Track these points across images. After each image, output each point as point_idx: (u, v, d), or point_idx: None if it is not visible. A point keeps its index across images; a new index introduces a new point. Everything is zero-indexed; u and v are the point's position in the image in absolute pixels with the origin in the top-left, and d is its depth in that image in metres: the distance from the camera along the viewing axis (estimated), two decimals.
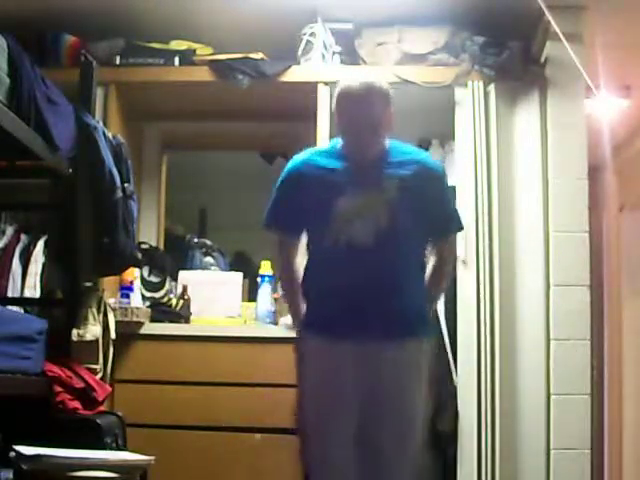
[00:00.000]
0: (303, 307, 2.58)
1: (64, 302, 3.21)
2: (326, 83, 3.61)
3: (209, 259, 4.15)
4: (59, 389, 2.80)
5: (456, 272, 2.92)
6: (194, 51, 3.70)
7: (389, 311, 2.45)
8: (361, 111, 2.46)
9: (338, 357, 2.44)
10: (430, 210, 2.51)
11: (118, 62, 3.66)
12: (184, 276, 3.84)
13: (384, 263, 2.44)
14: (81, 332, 3.05)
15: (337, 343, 2.44)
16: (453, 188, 2.62)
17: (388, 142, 2.57)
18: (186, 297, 3.69)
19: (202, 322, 3.63)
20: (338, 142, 2.60)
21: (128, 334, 3.41)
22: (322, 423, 2.44)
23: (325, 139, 3.54)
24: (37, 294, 3.40)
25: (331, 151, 2.60)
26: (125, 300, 3.51)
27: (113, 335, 3.21)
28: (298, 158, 2.62)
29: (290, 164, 2.63)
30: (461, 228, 2.69)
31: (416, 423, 2.46)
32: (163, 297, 3.78)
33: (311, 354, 2.50)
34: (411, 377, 2.47)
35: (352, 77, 2.55)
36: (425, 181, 2.52)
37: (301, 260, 2.64)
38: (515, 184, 3.51)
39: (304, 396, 2.50)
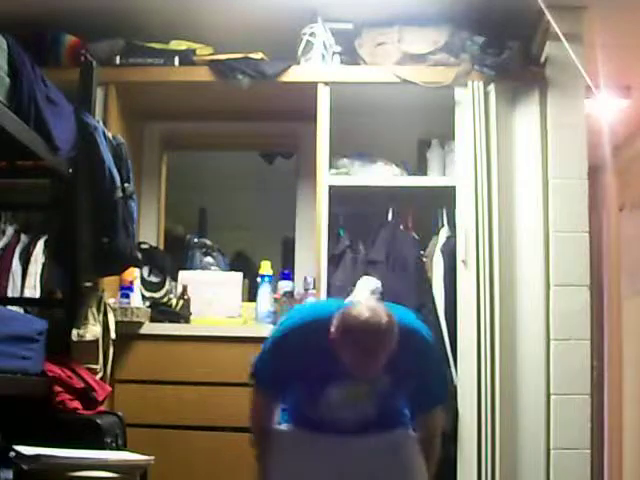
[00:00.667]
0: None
1: (64, 302, 3.21)
2: (326, 83, 3.61)
3: (209, 259, 4.15)
4: (59, 389, 2.81)
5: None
6: (194, 51, 3.70)
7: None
8: (371, 355, 2.26)
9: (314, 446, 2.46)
10: (415, 387, 2.42)
11: (118, 62, 3.66)
12: (184, 276, 3.84)
13: (366, 444, 2.44)
14: (81, 332, 3.05)
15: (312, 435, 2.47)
16: (441, 359, 2.58)
17: None
18: (186, 297, 3.69)
19: (202, 322, 3.63)
20: (336, 305, 2.40)
21: (128, 334, 3.41)
22: None
23: (325, 139, 3.55)
24: (37, 294, 3.40)
25: (324, 325, 2.32)
26: (125, 300, 3.51)
27: (113, 335, 3.21)
28: (293, 322, 2.46)
29: (286, 324, 2.48)
30: (443, 403, 2.58)
31: None
32: (163, 297, 3.78)
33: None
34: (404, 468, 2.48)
35: (357, 310, 2.28)
36: (414, 357, 2.38)
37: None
38: (515, 184, 3.51)
39: None
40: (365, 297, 3.35)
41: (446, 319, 3.47)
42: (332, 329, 2.28)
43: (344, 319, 2.27)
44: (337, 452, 2.43)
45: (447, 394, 2.65)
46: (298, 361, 2.39)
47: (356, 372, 2.32)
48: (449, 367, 2.97)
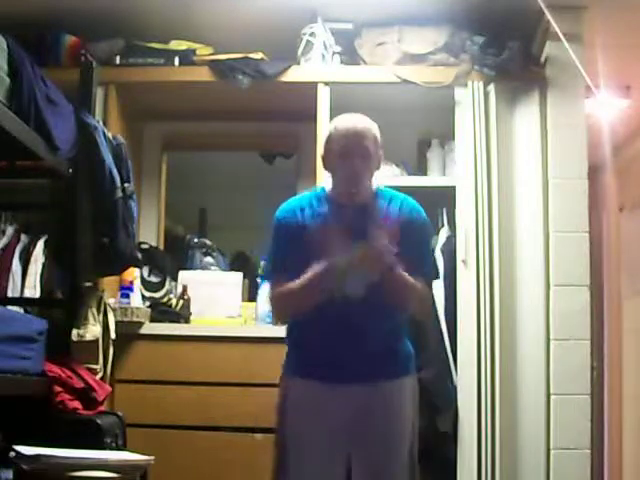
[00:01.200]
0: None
1: (64, 302, 3.21)
2: (326, 83, 3.61)
3: (209, 259, 4.15)
4: (59, 389, 2.81)
5: (430, 316, 2.86)
6: (194, 51, 3.70)
7: (374, 355, 2.46)
8: (357, 145, 2.46)
9: (322, 399, 2.44)
10: (409, 254, 2.44)
11: (118, 62, 3.66)
12: (184, 276, 3.84)
13: (373, 312, 2.44)
14: (81, 332, 3.05)
15: (321, 387, 2.44)
16: (432, 237, 2.63)
17: (376, 187, 2.57)
18: (186, 297, 3.69)
19: (202, 322, 3.63)
20: (323, 188, 2.59)
21: (128, 334, 3.41)
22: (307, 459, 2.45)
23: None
24: (37, 294, 3.40)
25: (318, 197, 2.57)
26: (125, 300, 3.51)
27: (113, 335, 3.21)
28: (285, 207, 2.58)
29: (278, 213, 2.59)
30: (435, 277, 2.68)
31: (399, 457, 2.45)
32: (163, 297, 3.78)
33: (295, 395, 2.50)
34: (393, 414, 2.47)
35: (345, 115, 2.55)
36: (409, 228, 2.49)
37: None
38: (515, 184, 3.51)
39: (286, 437, 2.49)
40: None
41: (446, 319, 3.47)
42: (323, 146, 2.53)
43: (333, 126, 2.53)
44: (342, 405, 2.43)
45: (434, 272, 2.70)
46: (299, 236, 2.47)
47: (345, 190, 2.48)
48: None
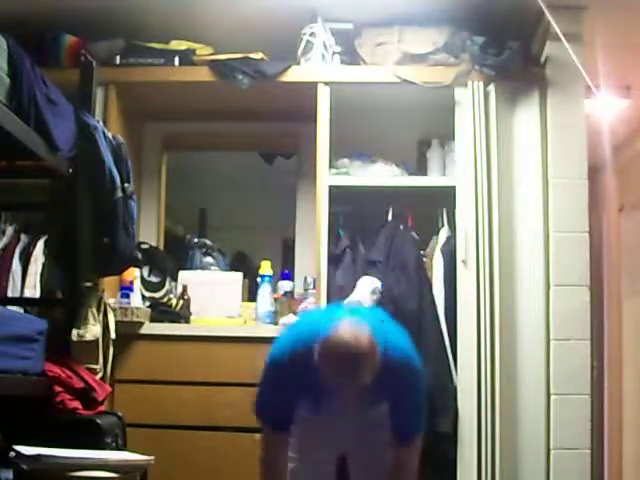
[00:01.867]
0: None
1: (64, 302, 3.21)
2: (326, 83, 3.61)
3: (209, 259, 4.15)
4: (59, 389, 2.80)
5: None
6: (194, 51, 3.70)
7: None
8: (350, 376, 2.27)
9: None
10: (398, 418, 2.44)
11: (118, 62, 3.66)
12: (184, 276, 3.84)
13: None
14: (81, 332, 3.05)
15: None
16: (424, 390, 2.48)
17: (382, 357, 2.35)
18: (186, 297, 3.69)
19: (202, 322, 3.63)
20: (327, 321, 2.38)
21: (128, 334, 3.41)
22: None
23: (325, 139, 3.55)
24: (37, 294, 3.40)
25: (311, 355, 2.32)
26: (125, 300, 3.51)
27: (113, 335, 3.21)
28: (281, 353, 2.45)
29: (275, 352, 2.47)
30: (420, 434, 2.52)
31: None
32: (163, 297, 3.78)
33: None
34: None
35: (337, 336, 2.27)
36: (399, 385, 2.41)
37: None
38: (515, 184, 3.51)
39: None
40: (364, 297, 3.35)
41: (446, 319, 3.47)
42: (315, 356, 2.28)
43: (324, 346, 2.28)
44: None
45: (423, 427, 2.52)
46: (293, 387, 2.41)
47: (339, 397, 2.37)
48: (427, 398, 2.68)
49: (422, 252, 3.64)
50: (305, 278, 3.79)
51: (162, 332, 3.50)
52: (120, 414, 3.03)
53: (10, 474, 2.34)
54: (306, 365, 2.31)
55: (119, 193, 3.16)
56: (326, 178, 3.56)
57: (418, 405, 2.50)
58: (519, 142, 3.54)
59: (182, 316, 3.63)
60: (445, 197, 3.55)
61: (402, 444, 2.47)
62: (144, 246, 3.87)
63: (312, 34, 3.64)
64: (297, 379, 2.39)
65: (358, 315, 2.40)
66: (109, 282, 3.49)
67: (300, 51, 3.66)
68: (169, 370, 3.45)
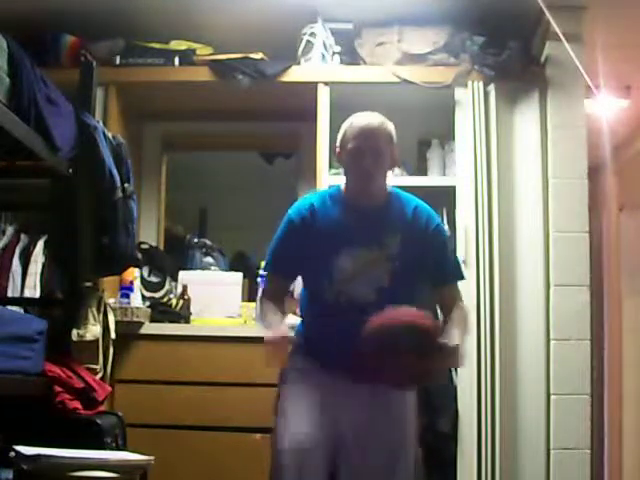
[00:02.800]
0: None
1: (64, 302, 3.20)
2: (326, 83, 3.61)
3: (209, 259, 4.15)
4: (59, 389, 2.80)
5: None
6: (194, 51, 3.71)
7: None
8: (370, 143, 2.44)
9: (327, 390, 2.42)
10: (429, 262, 2.47)
11: (118, 62, 3.66)
12: (184, 276, 3.84)
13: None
14: (81, 332, 3.05)
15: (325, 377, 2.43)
16: (451, 238, 2.59)
17: (390, 189, 2.56)
18: (186, 297, 3.69)
19: (202, 322, 3.63)
20: (339, 187, 2.56)
21: (128, 334, 3.41)
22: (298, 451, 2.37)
23: (325, 139, 3.55)
24: (37, 294, 3.40)
25: (332, 196, 2.54)
26: (125, 300, 3.51)
27: (113, 335, 3.21)
28: (300, 205, 2.55)
29: (292, 211, 2.54)
30: (461, 278, 2.59)
31: (401, 462, 2.42)
32: (163, 297, 3.78)
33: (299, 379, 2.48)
34: (397, 421, 2.44)
35: (361, 113, 2.52)
36: (425, 233, 2.49)
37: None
38: (515, 184, 3.51)
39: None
40: None
41: None
42: (337, 141, 2.51)
43: (348, 123, 2.50)
44: (337, 400, 2.41)
45: (462, 273, 2.61)
46: (309, 237, 2.46)
47: (359, 190, 2.47)
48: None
49: None
50: None
51: (162, 332, 3.50)
52: (120, 414, 3.03)
53: (10, 474, 2.34)
54: (324, 205, 2.49)
55: (119, 193, 3.16)
56: (326, 178, 3.55)
57: (452, 253, 2.63)
58: (519, 142, 3.54)
59: (182, 316, 3.63)
60: (445, 197, 3.55)
61: (443, 286, 2.52)
62: (144, 246, 3.87)
63: (312, 34, 3.65)
64: (313, 228, 2.47)
65: None
66: (109, 282, 3.49)
67: (300, 51, 3.66)
68: (169, 370, 3.45)
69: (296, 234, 2.50)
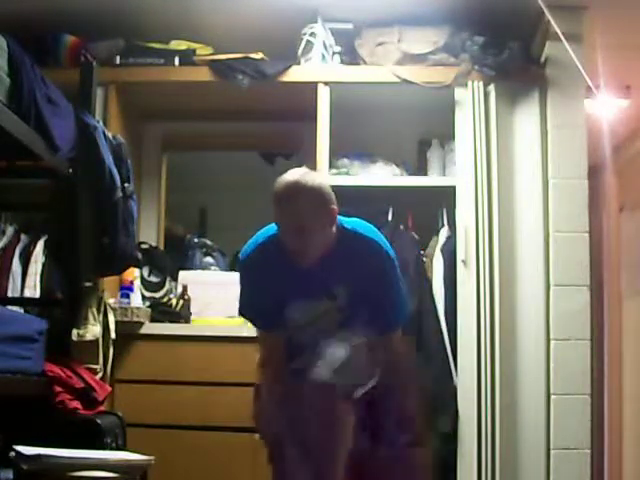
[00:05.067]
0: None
1: (64, 302, 3.21)
2: (326, 83, 3.61)
3: (209, 259, 4.15)
4: (59, 389, 2.81)
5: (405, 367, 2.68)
6: (194, 51, 3.70)
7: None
8: (290, 217, 2.29)
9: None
10: (373, 306, 2.37)
11: (118, 62, 3.66)
12: (184, 276, 3.84)
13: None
14: (81, 332, 3.06)
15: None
16: (398, 275, 2.44)
17: (328, 239, 2.37)
18: (186, 297, 3.69)
19: (202, 322, 3.63)
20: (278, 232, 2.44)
21: (128, 334, 3.41)
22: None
23: (325, 139, 3.55)
24: (37, 294, 3.40)
25: (276, 242, 2.40)
26: (125, 300, 3.51)
27: (113, 335, 3.21)
28: (248, 248, 2.49)
29: (242, 254, 2.50)
30: (400, 324, 2.50)
31: None
32: (163, 297, 3.78)
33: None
34: None
35: (290, 173, 2.36)
36: (372, 277, 2.36)
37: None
38: (515, 184, 3.51)
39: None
40: None
41: (446, 319, 3.47)
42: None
43: (274, 185, 2.34)
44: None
45: (405, 316, 2.52)
46: (265, 283, 2.41)
47: (293, 257, 2.33)
48: (405, 289, 2.63)
49: (422, 252, 3.64)
50: None
51: (162, 332, 3.51)
52: (120, 414, 3.04)
53: (10, 474, 2.35)
54: (272, 252, 2.37)
55: (119, 193, 3.16)
56: (326, 178, 3.55)
57: (394, 291, 2.44)
58: (519, 142, 3.54)
59: (182, 316, 3.63)
60: (445, 197, 3.55)
61: (380, 332, 2.39)
62: (144, 246, 3.87)
63: (312, 34, 3.64)
64: (268, 268, 2.40)
65: None
66: (109, 282, 3.49)
67: (300, 51, 3.66)
68: (169, 370, 3.45)
69: (252, 274, 2.46)
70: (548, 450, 3.31)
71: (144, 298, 3.71)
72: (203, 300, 3.72)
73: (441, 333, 3.46)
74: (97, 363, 3.08)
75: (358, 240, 2.40)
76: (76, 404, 2.84)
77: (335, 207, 2.36)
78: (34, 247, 3.48)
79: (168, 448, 3.26)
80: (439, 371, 3.39)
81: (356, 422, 2.36)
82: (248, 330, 3.57)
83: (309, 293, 2.38)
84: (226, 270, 4.12)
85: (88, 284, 3.18)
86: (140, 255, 3.57)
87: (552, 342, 3.37)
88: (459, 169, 3.55)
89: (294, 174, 2.34)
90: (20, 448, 2.35)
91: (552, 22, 3.38)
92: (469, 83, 3.56)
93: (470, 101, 3.54)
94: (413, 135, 3.92)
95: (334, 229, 2.37)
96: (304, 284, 2.37)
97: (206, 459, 3.37)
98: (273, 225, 2.46)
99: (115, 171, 3.16)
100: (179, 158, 4.45)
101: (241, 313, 2.57)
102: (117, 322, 3.28)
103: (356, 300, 2.37)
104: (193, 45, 3.71)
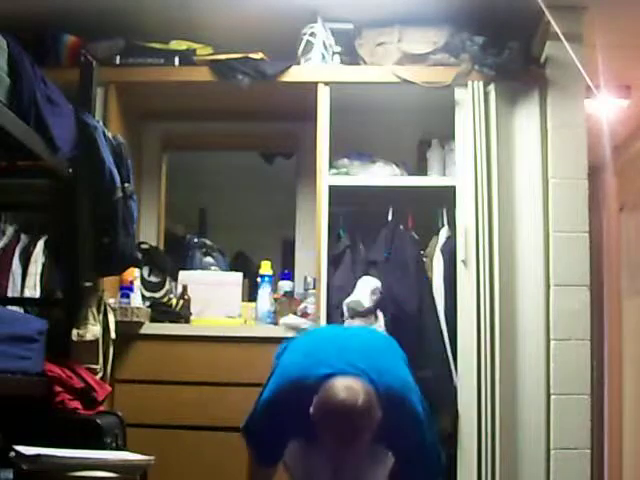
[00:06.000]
0: None
1: (64, 302, 3.20)
2: (326, 83, 3.61)
3: (209, 259, 4.15)
4: (59, 389, 2.80)
5: None
6: (194, 51, 3.70)
7: None
8: (346, 433, 2.21)
9: None
10: (402, 464, 2.36)
11: (118, 62, 3.66)
12: (184, 276, 3.84)
13: None
14: (81, 332, 3.05)
15: None
16: (432, 430, 2.39)
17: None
18: (186, 297, 3.69)
19: (202, 322, 3.63)
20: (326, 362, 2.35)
21: (128, 334, 3.41)
22: None
23: (325, 139, 3.55)
24: (37, 294, 3.40)
25: (313, 386, 2.29)
26: (125, 300, 3.51)
27: (113, 335, 3.21)
28: (274, 392, 2.40)
29: (267, 395, 2.42)
30: (440, 473, 2.45)
31: None
32: (163, 297, 3.78)
33: None
34: None
35: (335, 389, 2.23)
36: (399, 430, 2.31)
37: None
38: (515, 184, 3.51)
39: None
40: (364, 297, 3.36)
41: (446, 319, 3.47)
42: (312, 410, 2.24)
43: (321, 402, 2.23)
44: None
45: (442, 470, 2.46)
46: (290, 421, 2.37)
47: (337, 456, 2.31)
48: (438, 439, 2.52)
49: (422, 252, 3.64)
50: (305, 278, 3.79)
51: (162, 332, 3.50)
52: (120, 414, 3.03)
53: (10, 474, 2.34)
54: (298, 409, 2.27)
55: (119, 193, 3.16)
56: (326, 178, 3.56)
57: (421, 451, 2.37)
58: (519, 142, 3.54)
59: (182, 316, 3.63)
60: (445, 197, 3.55)
61: None
62: (144, 246, 3.87)
63: (312, 34, 3.64)
64: (289, 422, 2.36)
65: (350, 348, 2.36)
66: (109, 282, 3.49)
67: (300, 51, 3.66)
68: (169, 370, 3.45)
69: (277, 419, 2.38)
70: (548, 450, 3.31)
71: (144, 298, 3.71)
72: (203, 300, 3.72)
73: (441, 333, 3.45)
74: (97, 363, 3.08)
75: (390, 403, 2.30)
76: (76, 404, 2.83)
77: (380, 412, 2.26)
78: (34, 247, 3.48)
79: (168, 448, 3.26)
80: (439, 371, 3.39)
81: None
82: (248, 330, 3.59)
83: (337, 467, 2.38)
84: (226, 270, 4.12)
85: (88, 284, 3.18)
86: (140, 255, 3.57)
87: (552, 342, 3.37)
88: (459, 169, 3.55)
89: (350, 394, 2.21)
90: (20, 448, 2.34)
91: (552, 22, 3.38)
92: (469, 83, 3.56)
93: (470, 101, 3.54)
94: (413, 135, 3.92)
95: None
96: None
97: (206, 459, 3.37)
98: (301, 357, 2.45)
99: (115, 171, 3.16)
100: (179, 158, 4.45)
101: (244, 433, 2.53)
102: (117, 322, 3.28)
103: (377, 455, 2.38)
104: (193, 45, 3.71)
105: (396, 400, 2.30)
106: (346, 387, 2.21)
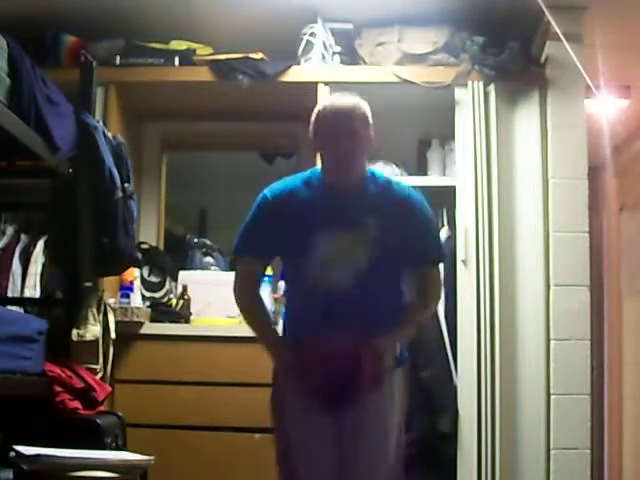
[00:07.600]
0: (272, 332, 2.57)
1: (64, 302, 3.21)
2: (326, 83, 3.61)
3: (209, 259, 4.15)
4: (59, 389, 2.80)
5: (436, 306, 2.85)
6: (194, 51, 3.70)
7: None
8: (343, 128, 2.39)
9: (315, 405, 2.40)
10: (408, 243, 2.42)
11: (118, 62, 3.66)
12: (184, 276, 3.84)
13: (363, 304, 2.38)
14: (81, 332, 3.05)
15: (314, 395, 2.40)
16: (432, 218, 2.54)
17: (368, 171, 2.50)
18: (186, 297, 3.69)
19: (202, 322, 3.63)
20: (317, 170, 2.52)
21: (128, 334, 3.41)
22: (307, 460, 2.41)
23: None
24: (37, 294, 3.41)
25: (311, 179, 2.49)
26: (125, 300, 3.51)
27: (113, 335, 3.21)
28: (275, 187, 2.50)
29: (267, 192, 2.50)
30: (440, 260, 2.56)
31: (387, 451, 2.39)
32: (163, 297, 3.78)
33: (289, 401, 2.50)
34: (384, 410, 2.40)
35: (331, 98, 2.52)
36: (404, 214, 2.43)
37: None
38: (515, 184, 3.51)
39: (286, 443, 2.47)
40: None
41: (446, 319, 3.47)
42: (311, 123, 2.46)
43: (319, 109, 2.45)
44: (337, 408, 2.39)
45: (443, 254, 2.64)
46: (286, 219, 2.43)
47: (334, 174, 2.42)
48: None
49: None
50: None
51: (162, 332, 3.51)
52: (120, 414, 3.04)
53: (10, 474, 2.35)
54: (299, 197, 2.43)
55: (119, 193, 3.16)
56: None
57: (432, 231, 2.55)
58: (519, 142, 3.54)
59: (182, 316, 3.64)
60: (445, 197, 3.55)
61: (421, 269, 2.48)
62: (144, 246, 3.87)
63: (312, 34, 3.65)
64: (288, 213, 2.42)
65: None
66: (109, 282, 3.49)
67: (300, 51, 3.66)
68: (169, 370, 3.45)
69: (272, 213, 2.46)
70: (548, 450, 3.31)
71: (144, 298, 3.71)
72: (203, 300, 3.72)
73: (441, 333, 3.45)
74: (97, 363, 3.08)
75: (391, 182, 2.52)
76: (76, 404, 2.83)
77: (373, 135, 2.48)
78: (34, 247, 3.48)
79: (168, 448, 3.26)
80: (439, 371, 3.39)
81: None
82: (248, 330, 3.59)
83: (340, 224, 2.38)
84: (226, 270, 4.12)
85: (88, 284, 3.18)
86: (140, 255, 3.57)
87: (552, 342, 3.37)
88: (459, 169, 3.55)
89: (345, 99, 2.45)
90: (20, 448, 2.35)
91: (552, 22, 3.38)
92: (469, 83, 3.56)
93: (470, 101, 3.54)
94: (413, 135, 3.92)
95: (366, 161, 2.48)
96: (335, 215, 2.39)
97: (206, 459, 3.37)
98: (293, 176, 2.56)
99: (115, 171, 3.16)
100: (179, 158, 4.45)
101: (239, 252, 2.57)
102: (117, 322, 3.28)
103: (389, 233, 2.38)
104: (193, 45, 3.71)
105: (413, 197, 2.47)
106: (342, 96, 2.47)
